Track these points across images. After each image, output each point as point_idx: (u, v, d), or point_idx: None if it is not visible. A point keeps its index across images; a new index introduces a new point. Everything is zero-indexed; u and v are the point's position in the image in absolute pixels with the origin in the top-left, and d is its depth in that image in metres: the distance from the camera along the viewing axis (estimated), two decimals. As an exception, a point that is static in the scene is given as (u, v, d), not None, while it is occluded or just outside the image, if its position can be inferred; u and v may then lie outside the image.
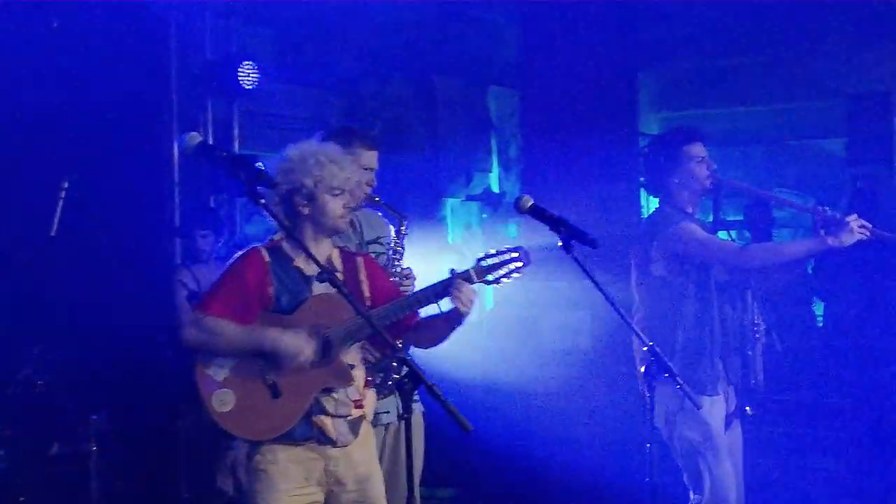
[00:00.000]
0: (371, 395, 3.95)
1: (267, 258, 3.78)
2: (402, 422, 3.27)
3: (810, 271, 7.41)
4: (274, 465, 3.74)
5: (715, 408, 4.67)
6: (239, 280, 3.77)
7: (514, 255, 3.82)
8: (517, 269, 3.83)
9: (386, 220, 4.53)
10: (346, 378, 3.80)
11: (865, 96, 8.61)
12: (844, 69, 8.92)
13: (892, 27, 8.19)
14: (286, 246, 3.83)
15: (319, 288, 3.77)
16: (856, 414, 6.27)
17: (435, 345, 3.97)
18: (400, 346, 4.00)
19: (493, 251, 3.84)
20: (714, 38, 8.58)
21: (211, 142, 6.65)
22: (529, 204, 3.76)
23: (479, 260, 3.84)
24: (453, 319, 3.84)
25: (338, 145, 4.23)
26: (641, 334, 3.83)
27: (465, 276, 3.79)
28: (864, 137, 8.46)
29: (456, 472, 7.09)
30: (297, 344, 3.69)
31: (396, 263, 4.32)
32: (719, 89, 9.54)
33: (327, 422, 3.77)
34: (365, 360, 4.01)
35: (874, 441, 6.29)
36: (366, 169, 4.32)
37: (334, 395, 3.78)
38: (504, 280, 3.83)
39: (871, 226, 4.52)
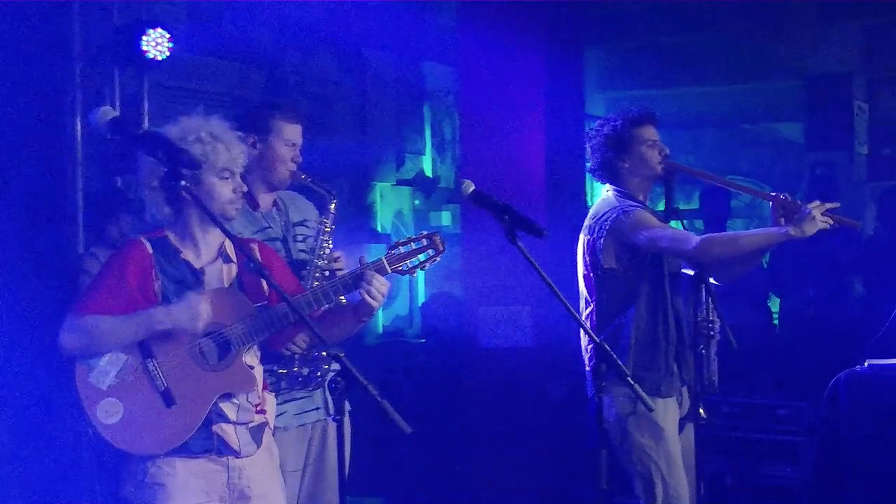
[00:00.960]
0: (271, 399, 3.91)
1: (150, 250, 3.69)
2: (334, 424, 3.26)
3: (765, 265, 7.51)
4: (172, 479, 3.65)
5: (669, 411, 4.72)
6: (118, 276, 3.67)
7: (427, 242, 3.84)
8: (432, 258, 3.85)
9: (311, 202, 4.52)
10: (248, 382, 3.74)
11: (825, 78, 8.75)
12: (803, 49, 9.04)
13: (853, 5, 8.31)
14: (172, 237, 3.74)
15: (212, 282, 3.73)
16: (813, 417, 6.36)
17: (339, 339, 3.94)
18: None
19: (404, 239, 3.85)
20: (665, 14, 8.65)
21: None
22: (471, 189, 3.77)
23: (391, 248, 3.85)
24: (362, 313, 3.83)
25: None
26: (590, 331, 3.85)
27: (378, 267, 3.79)
28: (824, 122, 8.59)
29: (385, 478, 7.09)
30: (190, 308, 3.59)
31: (325, 245, 4.30)
32: (670, 68, 9.63)
33: (229, 430, 3.72)
34: (291, 351, 4.02)
35: (831, 445, 6.38)
36: (289, 144, 4.31)
37: (235, 400, 3.73)
38: (419, 269, 3.86)
39: (836, 205, 4.50)
